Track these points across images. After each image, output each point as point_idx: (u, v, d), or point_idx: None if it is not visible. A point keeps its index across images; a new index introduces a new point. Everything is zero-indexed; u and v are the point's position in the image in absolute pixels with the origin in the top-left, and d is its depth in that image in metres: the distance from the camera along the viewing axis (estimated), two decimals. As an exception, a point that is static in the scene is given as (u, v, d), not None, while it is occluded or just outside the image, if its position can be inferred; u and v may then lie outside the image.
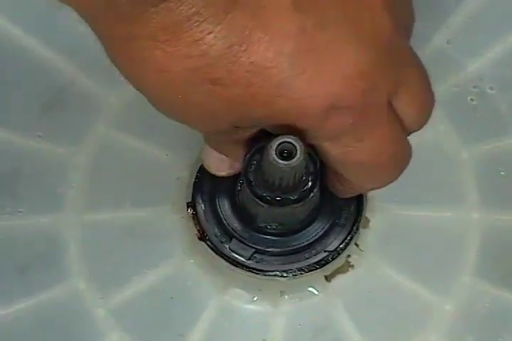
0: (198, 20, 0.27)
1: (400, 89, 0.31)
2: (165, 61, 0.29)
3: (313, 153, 0.37)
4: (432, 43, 0.49)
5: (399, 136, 0.33)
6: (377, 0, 0.30)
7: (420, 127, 0.35)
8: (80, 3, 0.29)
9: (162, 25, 0.28)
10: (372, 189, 0.40)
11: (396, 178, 0.36)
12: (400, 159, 0.35)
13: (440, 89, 0.48)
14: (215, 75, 0.29)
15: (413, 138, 0.46)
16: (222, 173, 0.39)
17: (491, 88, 0.48)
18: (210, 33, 0.28)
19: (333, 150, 0.32)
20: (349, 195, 0.40)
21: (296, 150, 0.33)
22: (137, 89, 0.32)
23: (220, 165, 0.39)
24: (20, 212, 0.46)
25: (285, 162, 0.33)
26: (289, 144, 0.34)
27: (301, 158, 0.33)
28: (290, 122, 0.31)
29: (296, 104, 0.30)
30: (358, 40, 0.29)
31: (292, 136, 0.33)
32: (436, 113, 0.47)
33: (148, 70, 0.29)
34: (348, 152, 0.32)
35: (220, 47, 0.28)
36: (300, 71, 0.29)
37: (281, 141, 0.33)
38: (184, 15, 0.27)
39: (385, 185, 0.36)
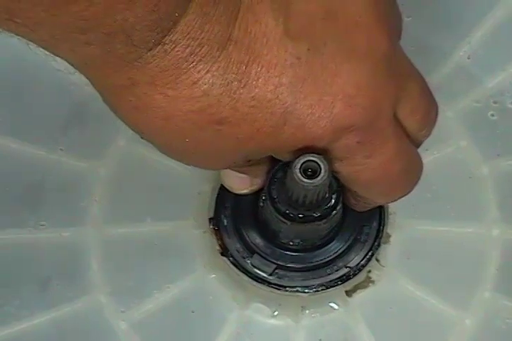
0: (194, 60, 0.27)
1: (401, 98, 0.31)
2: (168, 105, 0.28)
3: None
4: (452, 59, 0.49)
5: (407, 149, 0.33)
6: (370, 15, 0.30)
7: (426, 135, 0.35)
8: (75, 55, 0.28)
9: (160, 69, 0.28)
10: (387, 202, 0.40)
11: (409, 192, 0.35)
12: (411, 172, 0.35)
13: (461, 105, 0.48)
14: (220, 115, 0.29)
15: (434, 154, 0.47)
16: (245, 191, 0.39)
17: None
18: (207, 72, 0.28)
19: (343, 170, 0.32)
20: (364, 209, 0.40)
21: (320, 168, 0.34)
22: (142, 137, 0.31)
23: (241, 184, 0.39)
24: (43, 225, 0.47)
25: (309, 181, 0.33)
26: (313, 163, 0.34)
27: (326, 176, 0.34)
28: (299, 148, 0.31)
29: (301, 129, 0.30)
30: (353, 57, 0.29)
31: (316, 155, 0.33)
32: (457, 128, 0.48)
33: (153, 117, 0.29)
34: (358, 171, 0.32)
35: (220, 85, 0.28)
36: (301, 97, 0.29)
37: (305, 159, 0.34)
38: (180, 56, 0.27)
39: (399, 198, 0.36)
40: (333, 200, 0.37)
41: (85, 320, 0.45)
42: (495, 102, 0.48)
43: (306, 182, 0.34)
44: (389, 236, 0.46)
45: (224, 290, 0.45)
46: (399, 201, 0.46)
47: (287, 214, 0.38)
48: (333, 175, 0.37)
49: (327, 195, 0.37)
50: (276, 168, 0.38)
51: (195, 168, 0.47)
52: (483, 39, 0.49)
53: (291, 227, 0.39)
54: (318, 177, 0.34)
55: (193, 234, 0.46)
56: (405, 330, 0.45)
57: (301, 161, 0.34)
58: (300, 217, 0.38)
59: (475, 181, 0.47)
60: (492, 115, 0.48)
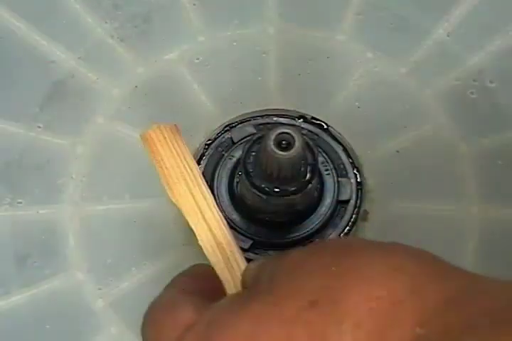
0: None
1: None
2: None
3: (312, 144, 0.37)
4: (432, 36, 0.49)
5: None
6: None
7: None
8: None
9: None
10: None
11: None
12: None
13: (440, 83, 0.48)
14: None
15: (413, 131, 0.47)
16: None
17: (491, 81, 0.48)
18: None
19: None
20: None
21: (294, 140, 0.33)
22: None
23: None
24: (20, 202, 0.46)
25: (283, 152, 0.33)
26: (287, 135, 0.34)
27: (300, 148, 0.33)
28: None
29: None
30: None
31: (290, 127, 0.33)
32: (436, 106, 0.48)
33: None
34: None
35: None
36: None
37: (279, 131, 0.33)
38: None
39: None
40: (308, 174, 0.37)
41: (62, 297, 0.45)
42: (474, 80, 0.48)
43: (280, 154, 0.34)
44: (367, 213, 0.46)
45: (201, 266, 0.45)
46: (377, 178, 0.46)
47: (263, 188, 0.38)
48: (309, 149, 0.37)
49: (302, 169, 0.37)
50: (252, 141, 0.37)
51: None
52: (463, 16, 0.49)
53: (267, 202, 0.38)
54: (292, 150, 0.34)
55: (171, 210, 0.46)
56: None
57: (275, 133, 0.34)
58: (275, 191, 0.37)
59: (454, 159, 0.47)
60: (471, 93, 0.48)
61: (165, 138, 0.38)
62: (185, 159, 0.38)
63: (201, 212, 0.37)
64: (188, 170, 0.38)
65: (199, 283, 0.35)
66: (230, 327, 0.29)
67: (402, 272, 0.28)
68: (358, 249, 0.30)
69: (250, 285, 0.32)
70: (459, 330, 0.24)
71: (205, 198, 0.37)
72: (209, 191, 0.37)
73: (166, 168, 0.38)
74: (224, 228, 0.37)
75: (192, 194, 0.37)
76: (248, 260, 0.37)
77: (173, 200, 0.37)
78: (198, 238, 0.37)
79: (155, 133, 0.38)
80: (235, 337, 0.28)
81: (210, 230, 0.37)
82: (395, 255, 0.30)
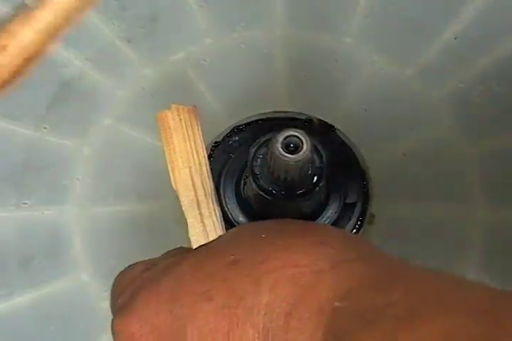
0: None
1: None
2: None
3: (320, 147, 0.36)
4: (439, 39, 0.48)
5: None
6: None
7: None
8: None
9: None
10: None
11: None
12: None
13: (446, 85, 0.48)
14: None
15: (417, 134, 0.47)
16: None
17: (498, 85, 0.48)
18: None
19: None
20: None
21: (302, 143, 0.33)
22: None
23: None
24: (26, 203, 0.46)
25: (291, 156, 0.33)
26: (295, 138, 0.33)
27: (308, 151, 0.33)
28: None
29: None
30: None
31: (298, 129, 0.33)
32: (442, 109, 0.48)
33: None
34: None
35: None
36: None
37: (287, 134, 0.33)
38: None
39: None
40: (315, 177, 0.37)
41: (67, 299, 0.45)
42: (480, 83, 0.48)
43: (288, 158, 0.33)
44: (373, 216, 0.46)
45: (207, 269, 0.45)
46: (384, 181, 0.46)
47: (270, 190, 0.37)
48: (316, 152, 0.37)
49: (310, 172, 0.37)
50: (259, 144, 0.37)
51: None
52: (471, 19, 0.49)
53: (274, 204, 0.38)
54: (300, 153, 0.33)
55: (177, 212, 0.46)
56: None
57: (283, 136, 0.33)
58: (282, 194, 0.37)
59: (460, 161, 0.47)
60: (477, 96, 0.48)
61: (181, 119, 0.38)
62: (195, 144, 0.38)
63: (198, 203, 0.37)
64: (195, 157, 0.38)
65: None
66: (155, 284, 0.31)
67: (327, 246, 0.29)
68: (292, 225, 0.33)
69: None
70: (379, 309, 0.25)
71: (204, 189, 0.37)
72: (211, 181, 0.38)
73: (175, 152, 0.38)
74: (217, 222, 0.37)
75: (193, 184, 0.38)
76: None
77: (174, 187, 0.38)
78: (189, 230, 0.38)
79: (172, 113, 0.38)
80: (157, 294, 0.31)
81: (203, 223, 0.37)
82: (325, 231, 0.31)
